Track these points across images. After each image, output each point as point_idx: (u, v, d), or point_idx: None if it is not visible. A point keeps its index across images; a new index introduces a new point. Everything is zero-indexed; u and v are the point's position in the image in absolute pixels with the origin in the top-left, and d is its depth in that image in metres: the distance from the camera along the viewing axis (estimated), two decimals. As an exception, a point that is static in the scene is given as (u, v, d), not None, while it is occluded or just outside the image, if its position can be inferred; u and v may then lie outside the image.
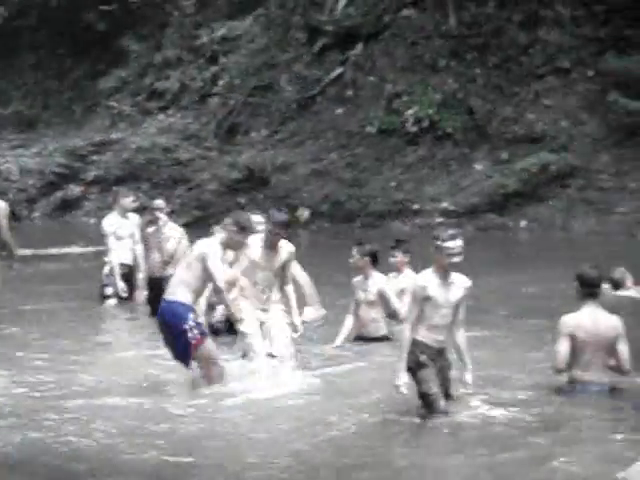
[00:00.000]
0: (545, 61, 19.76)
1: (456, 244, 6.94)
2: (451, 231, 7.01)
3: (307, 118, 21.04)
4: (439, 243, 6.94)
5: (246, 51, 22.65)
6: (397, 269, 10.22)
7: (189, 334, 7.78)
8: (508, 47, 20.07)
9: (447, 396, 7.23)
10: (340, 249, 15.80)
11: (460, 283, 7.12)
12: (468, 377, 7.26)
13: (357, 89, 20.96)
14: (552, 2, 20.03)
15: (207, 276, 7.92)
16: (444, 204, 18.65)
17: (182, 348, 7.85)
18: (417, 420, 7.05)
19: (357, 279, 9.84)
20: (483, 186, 18.55)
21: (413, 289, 7.19)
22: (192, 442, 6.82)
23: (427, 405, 7.08)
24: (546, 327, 8.80)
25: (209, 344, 7.94)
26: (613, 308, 8.32)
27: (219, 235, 8.20)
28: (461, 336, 7.25)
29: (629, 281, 11.74)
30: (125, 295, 11.54)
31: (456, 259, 6.96)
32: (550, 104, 19.34)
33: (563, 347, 7.94)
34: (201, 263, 7.88)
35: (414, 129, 19.45)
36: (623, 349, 7.93)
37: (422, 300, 7.04)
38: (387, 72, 20.82)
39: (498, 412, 7.33)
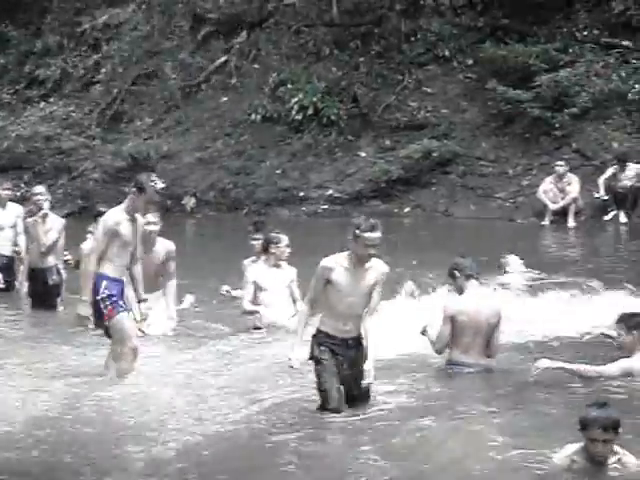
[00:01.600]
0: (426, 49, 20.04)
1: (375, 236, 6.86)
2: (372, 221, 6.89)
3: (192, 106, 20.92)
4: (358, 232, 6.84)
5: (129, 38, 22.36)
6: (257, 254, 10.16)
7: (101, 305, 7.74)
8: (390, 36, 20.28)
9: (357, 388, 7.04)
10: (226, 237, 15.84)
11: (375, 269, 7.01)
12: (367, 367, 6.97)
13: (241, 77, 20.92)
14: (433, -9, 20.33)
15: (121, 243, 7.91)
16: (330, 191, 18.77)
17: (99, 317, 7.82)
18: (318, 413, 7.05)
19: (259, 265, 9.80)
20: (368, 173, 18.73)
21: (318, 268, 7.05)
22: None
23: (321, 399, 7.07)
24: (429, 309, 8.99)
25: (122, 319, 7.83)
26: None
27: (125, 202, 8.09)
28: (367, 323, 7.01)
29: (509, 267, 12.23)
30: (2, 286, 11.35)
31: (372, 251, 6.90)
32: (431, 92, 19.62)
33: (444, 329, 8.18)
34: None
35: (299, 117, 19.50)
36: (497, 335, 8.27)
37: (325, 282, 6.91)
38: (271, 60, 20.84)
39: (388, 399, 7.43)
